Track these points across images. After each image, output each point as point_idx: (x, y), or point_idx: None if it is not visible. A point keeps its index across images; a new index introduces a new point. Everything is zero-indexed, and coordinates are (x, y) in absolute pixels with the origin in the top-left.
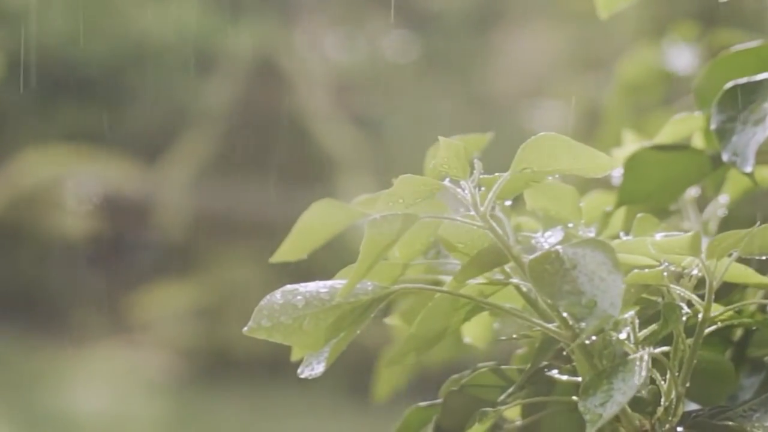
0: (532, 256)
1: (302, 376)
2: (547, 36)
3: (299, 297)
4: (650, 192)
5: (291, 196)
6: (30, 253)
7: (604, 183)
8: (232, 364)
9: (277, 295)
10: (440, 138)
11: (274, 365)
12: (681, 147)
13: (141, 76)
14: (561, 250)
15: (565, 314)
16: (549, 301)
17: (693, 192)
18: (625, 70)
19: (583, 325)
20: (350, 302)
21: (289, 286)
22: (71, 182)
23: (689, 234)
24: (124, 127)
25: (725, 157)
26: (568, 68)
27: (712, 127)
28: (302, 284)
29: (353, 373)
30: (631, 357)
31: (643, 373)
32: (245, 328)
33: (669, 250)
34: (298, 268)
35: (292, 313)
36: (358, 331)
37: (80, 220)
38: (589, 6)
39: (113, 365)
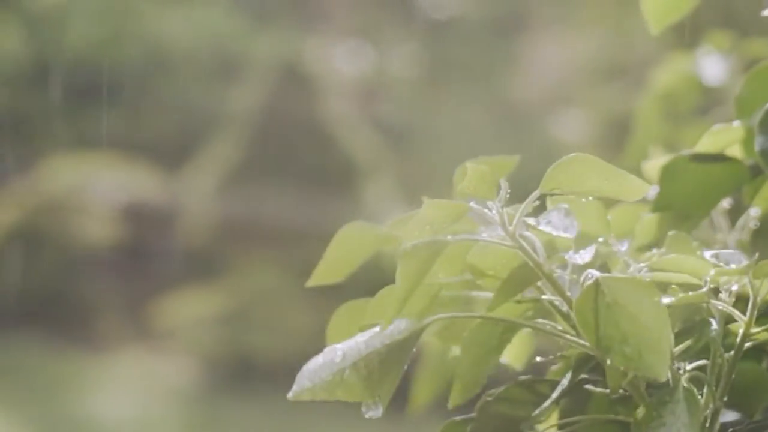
0: (576, 298)
1: (367, 416)
2: (571, 44)
3: (339, 352)
4: (686, 202)
5: (315, 203)
6: (54, 259)
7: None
8: (256, 371)
9: (319, 357)
10: (467, 163)
11: (298, 371)
12: (719, 157)
13: (166, 82)
14: (600, 282)
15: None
16: (596, 351)
17: (725, 203)
18: (658, 79)
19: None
20: (386, 345)
21: (329, 347)
22: (96, 188)
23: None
24: (149, 134)
25: None
26: (593, 77)
27: (757, 148)
28: (342, 343)
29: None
30: (678, 385)
31: (694, 403)
32: (290, 394)
33: (725, 272)
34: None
35: (331, 368)
36: (405, 367)
37: (105, 226)
38: (613, 14)
39: (136, 372)
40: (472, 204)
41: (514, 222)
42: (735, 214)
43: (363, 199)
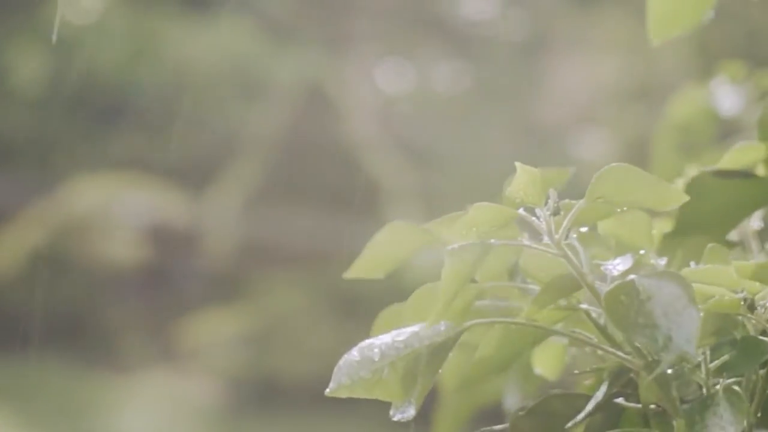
0: (608, 288)
1: (395, 419)
2: (595, 65)
3: (375, 350)
4: (709, 218)
5: (338, 225)
6: (79, 280)
7: (667, 211)
8: (279, 392)
9: (354, 352)
10: (517, 164)
11: (321, 393)
12: (743, 174)
13: (190, 103)
14: (636, 281)
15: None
16: (623, 334)
17: (755, 223)
18: (673, 109)
19: (659, 358)
20: (425, 345)
21: (365, 342)
22: (120, 210)
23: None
24: (172, 155)
25: None
26: (616, 98)
27: None
28: (377, 338)
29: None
30: (715, 391)
31: (737, 406)
32: (327, 390)
33: (749, 275)
34: (345, 297)
35: (370, 366)
36: (440, 371)
37: (128, 247)
38: (637, 36)
39: (161, 392)
40: (520, 210)
41: (561, 230)
42: (765, 235)
43: (387, 219)
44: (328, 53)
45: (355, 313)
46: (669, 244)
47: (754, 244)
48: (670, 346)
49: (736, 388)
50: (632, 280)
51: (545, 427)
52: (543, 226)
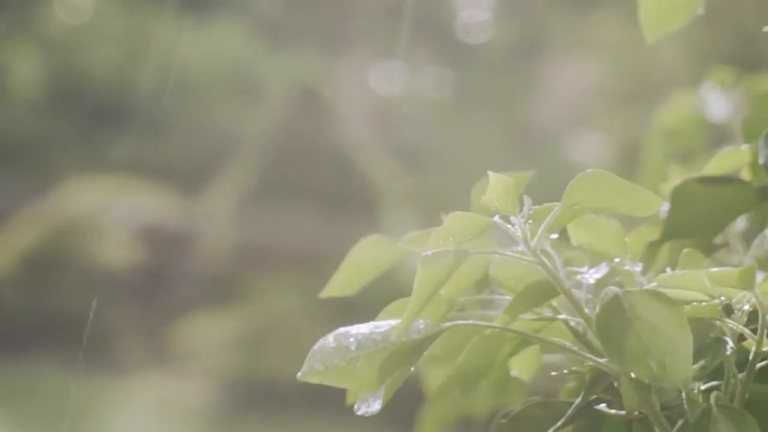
0: (597, 310)
1: (359, 413)
2: (588, 69)
3: (351, 339)
4: (696, 224)
5: (333, 227)
6: (72, 282)
7: (652, 217)
8: (274, 395)
9: (330, 338)
10: (490, 173)
11: (316, 395)
12: (728, 179)
13: (184, 105)
14: (621, 296)
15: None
16: (617, 365)
17: (740, 225)
18: (663, 116)
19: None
20: (402, 341)
21: (341, 330)
22: (114, 212)
23: (744, 266)
24: (167, 157)
25: None
26: (609, 101)
27: (761, 161)
28: (354, 326)
29: (396, 403)
30: (688, 404)
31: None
32: (299, 374)
33: (723, 281)
34: (340, 299)
35: (345, 355)
36: (412, 369)
37: (123, 249)
38: (630, 39)
39: (155, 395)
40: (495, 218)
41: (536, 238)
42: (750, 237)
43: (381, 222)
44: (322, 55)
45: (350, 316)
46: (655, 250)
47: (740, 246)
48: (665, 377)
49: (718, 392)
50: (617, 296)
51: None
52: (518, 233)
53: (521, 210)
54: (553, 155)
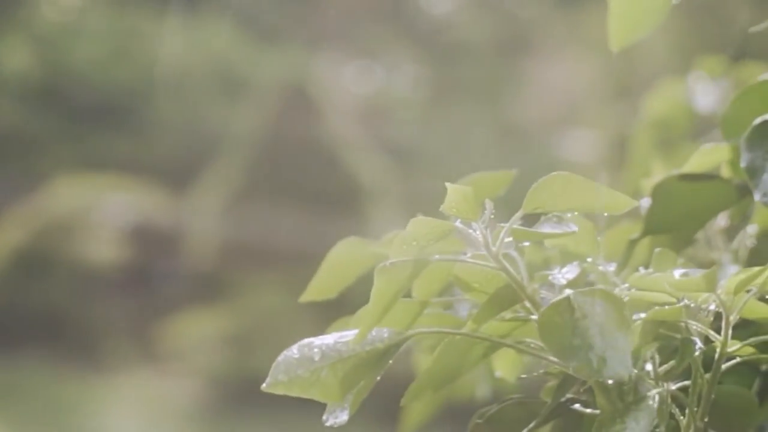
0: (543, 309)
1: (327, 425)
2: (577, 64)
3: (315, 350)
4: (676, 221)
5: (320, 224)
6: (60, 280)
7: (634, 213)
8: (261, 393)
9: (294, 349)
10: (447, 184)
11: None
12: (708, 176)
13: (171, 103)
14: (572, 298)
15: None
16: (558, 359)
17: (722, 222)
18: (650, 106)
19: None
20: (366, 351)
21: (305, 340)
22: (102, 210)
23: (706, 271)
24: (153, 155)
25: (757, 197)
26: (599, 97)
27: (743, 164)
28: (318, 337)
29: (381, 402)
30: (646, 395)
31: (655, 414)
32: (264, 385)
33: (684, 288)
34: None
35: (309, 366)
36: (378, 378)
37: (110, 247)
38: None
39: (143, 393)
40: (456, 224)
41: (498, 242)
42: (732, 233)
43: (368, 219)
44: (309, 53)
45: (337, 314)
46: (634, 247)
47: (721, 243)
48: (604, 370)
49: (681, 394)
50: (568, 298)
51: None
52: (479, 239)
53: (482, 216)
54: (541, 152)
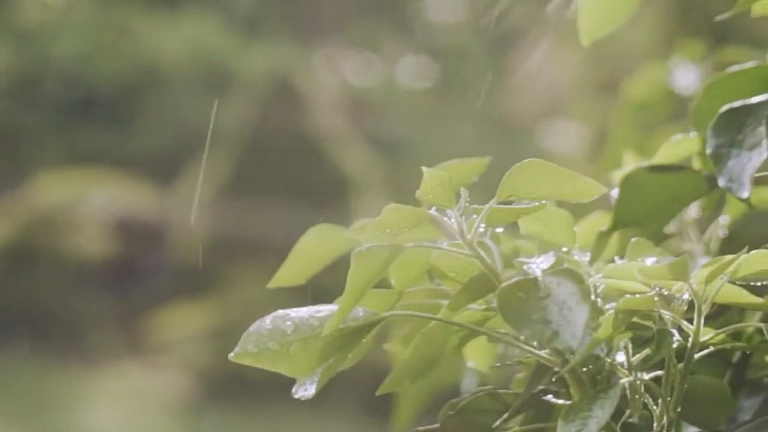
0: (505, 284)
1: (296, 397)
2: (563, 57)
3: (288, 323)
4: (646, 213)
5: (307, 217)
6: (46, 274)
7: (608, 204)
8: (248, 386)
9: (267, 320)
10: (423, 168)
11: (290, 386)
12: (677, 168)
13: (156, 97)
14: (540, 278)
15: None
16: (512, 329)
17: (693, 213)
18: (631, 90)
19: (566, 353)
20: (339, 329)
21: (280, 312)
22: (88, 204)
23: (677, 259)
24: (140, 149)
25: (721, 183)
26: (585, 89)
27: (708, 151)
28: (293, 309)
29: (368, 394)
30: (617, 383)
31: (618, 400)
32: (231, 354)
33: (656, 276)
34: (313, 290)
35: (280, 338)
36: (350, 356)
37: (97, 241)
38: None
39: (129, 386)
40: (431, 211)
41: (473, 230)
42: (704, 224)
43: (355, 213)
44: (295, 46)
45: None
46: (606, 239)
47: (693, 234)
48: (555, 341)
49: (654, 384)
50: (536, 278)
51: (476, 426)
52: (454, 226)
53: (458, 203)
54: (529, 145)
